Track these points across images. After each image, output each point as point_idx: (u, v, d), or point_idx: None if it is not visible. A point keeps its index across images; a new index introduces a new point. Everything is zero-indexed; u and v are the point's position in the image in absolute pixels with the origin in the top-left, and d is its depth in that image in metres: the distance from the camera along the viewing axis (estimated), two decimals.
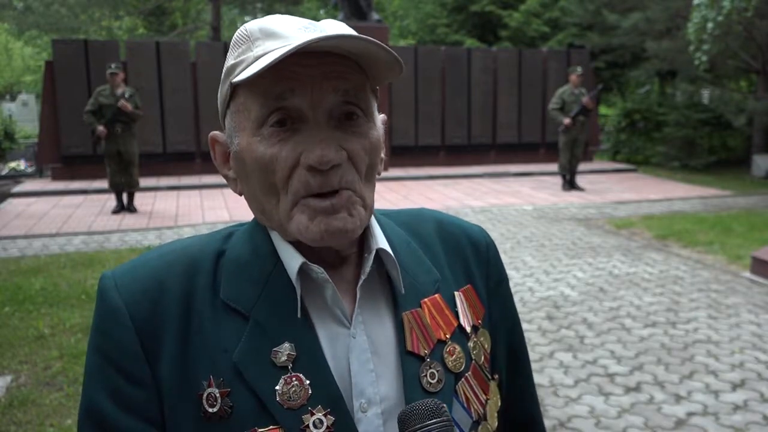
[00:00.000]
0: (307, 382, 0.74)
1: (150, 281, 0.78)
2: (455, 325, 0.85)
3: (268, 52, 0.72)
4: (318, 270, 0.77)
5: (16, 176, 12.61)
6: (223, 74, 0.80)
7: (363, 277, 0.79)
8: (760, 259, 6.02)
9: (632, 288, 5.71)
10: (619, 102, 17.06)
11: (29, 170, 12.90)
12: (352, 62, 0.76)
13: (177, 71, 12.01)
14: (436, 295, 0.85)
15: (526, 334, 5.03)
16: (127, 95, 8.50)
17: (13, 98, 26.06)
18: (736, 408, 3.57)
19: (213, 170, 11.85)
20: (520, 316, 4.96)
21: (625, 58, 16.25)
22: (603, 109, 18.74)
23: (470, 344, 0.86)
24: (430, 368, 0.80)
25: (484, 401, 0.85)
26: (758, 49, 12.41)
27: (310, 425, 0.73)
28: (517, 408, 0.95)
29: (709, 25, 10.50)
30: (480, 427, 0.83)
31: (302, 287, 0.77)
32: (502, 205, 9.73)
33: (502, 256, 6.96)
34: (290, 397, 0.73)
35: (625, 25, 13.94)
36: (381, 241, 0.82)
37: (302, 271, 0.77)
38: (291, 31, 0.74)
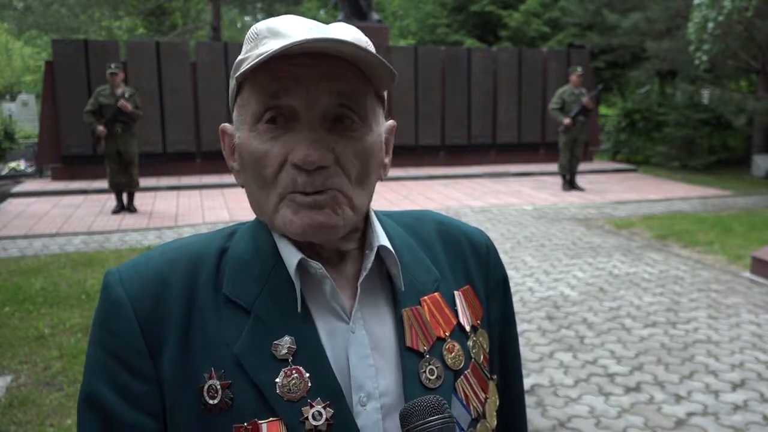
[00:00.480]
0: (307, 374, 0.75)
1: (154, 277, 0.79)
2: (454, 323, 0.86)
3: (271, 50, 0.74)
4: (316, 266, 0.78)
5: (16, 176, 12.60)
6: (232, 69, 0.82)
7: (364, 273, 0.81)
8: (760, 259, 6.02)
9: (632, 288, 5.71)
10: (619, 102, 17.07)
11: (29, 170, 12.90)
12: (352, 66, 0.76)
13: (177, 71, 12.00)
14: (436, 294, 0.86)
15: (526, 334, 5.00)
16: (127, 95, 8.50)
17: (13, 98, 26.05)
18: (736, 408, 3.57)
19: (213, 170, 11.87)
20: (520, 316, 4.97)
21: (625, 58, 16.25)
22: (603, 109, 18.74)
23: (469, 343, 0.86)
24: (429, 365, 0.81)
25: (483, 400, 0.86)
26: (758, 49, 12.41)
27: (310, 417, 0.74)
28: (502, 410, 0.95)
29: (710, 24, 10.50)
30: (479, 425, 0.84)
31: (303, 283, 0.79)
32: (502, 205, 9.73)
33: (502, 256, 6.89)
34: (290, 390, 0.75)
35: (625, 25, 13.94)
36: (382, 239, 0.84)
37: (302, 267, 0.79)
38: (296, 32, 0.75)
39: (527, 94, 13.87)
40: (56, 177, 11.65)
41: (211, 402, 0.74)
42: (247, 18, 28.40)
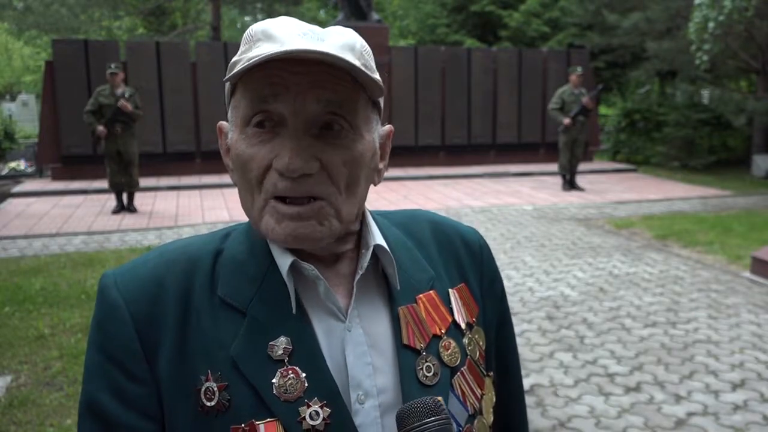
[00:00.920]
0: (303, 374, 0.76)
1: (149, 280, 0.80)
2: (450, 320, 0.87)
3: (260, 55, 0.73)
4: (309, 267, 0.78)
5: (16, 176, 12.60)
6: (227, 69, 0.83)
7: (360, 272, 0.81)
8: (760, 259, 6.02)
9: (632, 288, 5.71)
10: (619, 102, 17.06)
11: (29, 170, 12.90)
12: (345, 74, 0.75)
13: (177, 71, 12.00)
14: (431, 292, 0.87)
15: (526, 334, 4.99)
16: (127, 95, 8.50)
17: (13, 98, 26.06)
18: (736, 408, 3.57)
19: (213, 170, 11.88)
20: (520, 316, 4.96)
21: (625, 58, 16.24)
22: (603, 109, 18.73)
23: (465, 340, 0.87)
24: (426, 362, 0.82)
25: (479, 396, 0.87)
26: (758, 49, 12.40)
27: (307, 417, 0.74)
28: (502, 409, 0.96)
29: (710, 24, 10.50)
30: (476, 421, 0.85)
31: (298, 283, 0.79)
32: (502, 205, 9.73)
33: (502, 256, 6.89)
34: (287, 390, 0.75)
35: (625, 25, 13.93)
36: (378, 238, 0.84)
37: (295, 268, 0.79)
38: (289, 37, 0.74)
39: (527, 94, 13.86)
40: (56, 177, 11.65)
41: (208, 404, 0.75)
42: (247, 18, 28.37)
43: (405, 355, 0.81)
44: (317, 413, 0.74)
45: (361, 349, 0.79)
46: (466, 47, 15.93)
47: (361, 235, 0.85)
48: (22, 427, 3.37)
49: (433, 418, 0.71)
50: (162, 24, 23.71)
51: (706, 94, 14.32)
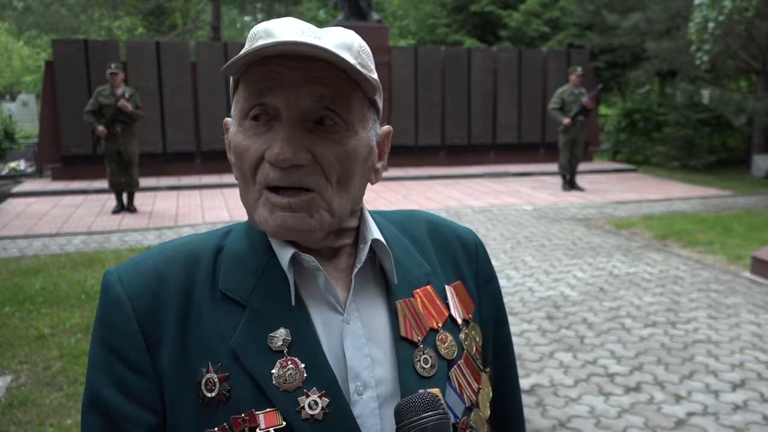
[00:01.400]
0: (302, 365, 0.77)
1: (151, 275, 0.82)
2: (446, 315, 0.88)
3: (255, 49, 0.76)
4: (309, 259, 0.80)
5: (16, 176, 12.60)
6: None
7: (358, 265, 0.83)
8: (760, 259, 6.03)
9: (632, 288, 5.71)
10: (619, 102, 17.06)
11: (29, 170, 12.89)
12: (340, 71, 0.77)
13: (177, 71, 12.00)
14: (428, 287, 0.89)
15: (526, 334, 5.00)
16: (127, 95, 8.50)
17: (13, 98, 26.07)
18: (736, 408, 3.57)
19: (213, 170, 11.88)
20: (520, 316, 4.96)
21: (625, 58, 16.22)
22: (603, 109, 18.74)
23: (461, 335, 0.88)
24: (424, 354, 0.83)
25: (476, 390, 0.88)
26: (758, 49, 12.41)
27: (306, 407, 0.76)
28: (499, 406, 0.97)
29: (711, 24, 10.50)
30: (473, 413, 0.86)
31: (297, 276, 0.81)
32: (502, 205, 9.73)
33: (502, 256, 6.89)
34: (286, 380, 0.76)
35: (625, 25, 13.92)
36: (376, 233, 0.86)
37: (295, 260, 0.81)
38: (286, 35, 0.76)
39: (527, 94, 13.87)
40: (56, 177, 11.65)
41: (209, 395, 0.76)
42: (247, 18, 28.37)
43: (402, 347, 0.82)
44: (316, 403, 0.76)
45: (359, 341, 0.81)
46: (466, 47, 15.93)
47: (359, 231, 0.86)
48: (22, 427, 3.37)
49: (430, 413, 0.72)
50: (162, 24, 23.72)
51: (706, 94, 14.32)
